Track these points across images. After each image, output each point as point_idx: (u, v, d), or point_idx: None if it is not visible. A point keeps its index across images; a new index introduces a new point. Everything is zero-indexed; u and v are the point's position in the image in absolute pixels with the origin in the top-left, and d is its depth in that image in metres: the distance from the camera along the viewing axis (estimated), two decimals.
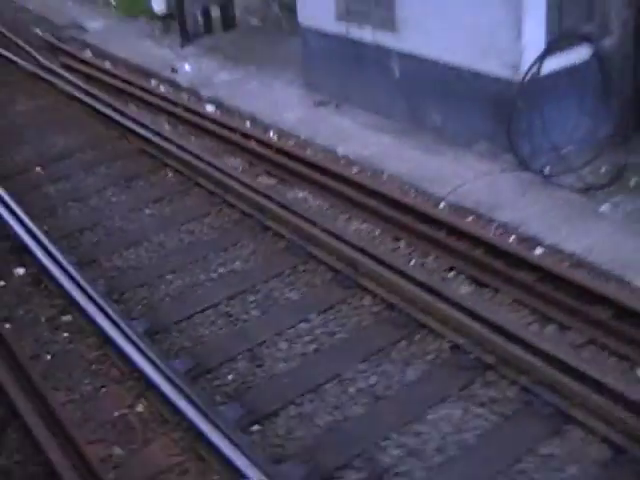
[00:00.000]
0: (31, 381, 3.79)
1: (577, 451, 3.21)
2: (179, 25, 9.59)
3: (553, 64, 5.62)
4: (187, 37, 9.59)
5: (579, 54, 5.78)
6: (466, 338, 3.88)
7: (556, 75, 5.66)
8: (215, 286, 4.72)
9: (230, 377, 3.88)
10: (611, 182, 5.40)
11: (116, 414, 3.64)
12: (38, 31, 10.66)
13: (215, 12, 9.77)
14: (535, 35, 5.50)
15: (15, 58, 9.42)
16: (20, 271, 5.05)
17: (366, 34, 6.74)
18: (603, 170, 5.63)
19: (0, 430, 3.57)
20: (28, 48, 9.69)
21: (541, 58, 5.54)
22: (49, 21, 11.30)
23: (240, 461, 3.06)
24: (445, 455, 3.24)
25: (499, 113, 5.73)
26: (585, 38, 5.76)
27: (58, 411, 3.54)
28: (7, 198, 5.80)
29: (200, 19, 9.73)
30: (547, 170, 5.66)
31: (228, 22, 9.78)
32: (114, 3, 11.64)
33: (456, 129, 6.21)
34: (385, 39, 6.58)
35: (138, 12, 10.81)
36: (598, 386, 3.33)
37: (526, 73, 5.53)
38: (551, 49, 5.57)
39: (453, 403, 3.55)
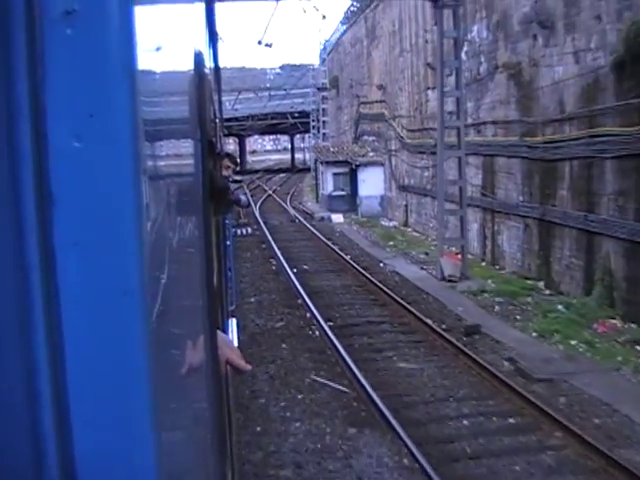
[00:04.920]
0: None
1: None
2: None
3: (336, 194, 31.77)
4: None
5: (344, 193, 31.74)
6: None
7: (336, 196, 31.72)
8: None
9: None
10: (348, 211, 30.97)
11: None
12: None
13: None
14: (331, 187, 31.85)
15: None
16: None
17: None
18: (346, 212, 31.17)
19: None
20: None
21: (332, 191, 31.81)
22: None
23: None
24: None
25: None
26: (343, 190, 31.74)
27: None
28: None
29: None
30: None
31: None
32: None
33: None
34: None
35: None
36: None
37: (330, 192, 31.85)
38: (334, 190, 31.79)
39: None
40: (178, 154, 0.89)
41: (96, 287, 0.50)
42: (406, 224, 27.06)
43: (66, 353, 0.50)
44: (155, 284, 0.59)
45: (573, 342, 11.16)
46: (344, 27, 38.76)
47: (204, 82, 1.32)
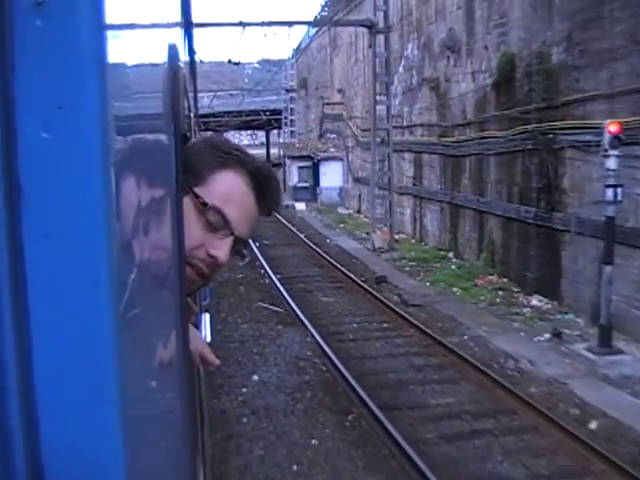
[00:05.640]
0: None
1: None
2: None
3: (300, 185, 35.93)
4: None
5: (307, 184, 35.90)
6: None
7: (300, 187, 35.88)
8: None
9: None
10: (310, 200, 35.13)
11: None
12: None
13: None
14: (296, 179, 36.01)
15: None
16: None
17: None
18: (309, 201, 35.28)
19: None
20: None
21: (297, 183, 35.97)
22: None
23: None
24: None
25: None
26: (307, 181, 35.91)
27: None
28: None
29: None
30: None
31: None
32: None
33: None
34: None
35: None
36: None
37: (295, 183, 36.00)
38: (299, 181, 35.97)
39: None
40: (151, 148, 0.88)
41: (65, 279, 0.50)
42: (359, 211, 31.27)
43: (33, 345, 0.50)
44: (125, 276, 0.60)
45: (454, 289, 15.43)
46: (313, 31, 43.02)
47: (178, 76, 1.30)
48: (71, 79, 0.50)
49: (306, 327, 11.66)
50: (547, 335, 11.45)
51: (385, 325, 12.20)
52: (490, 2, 17.31)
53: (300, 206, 32.98)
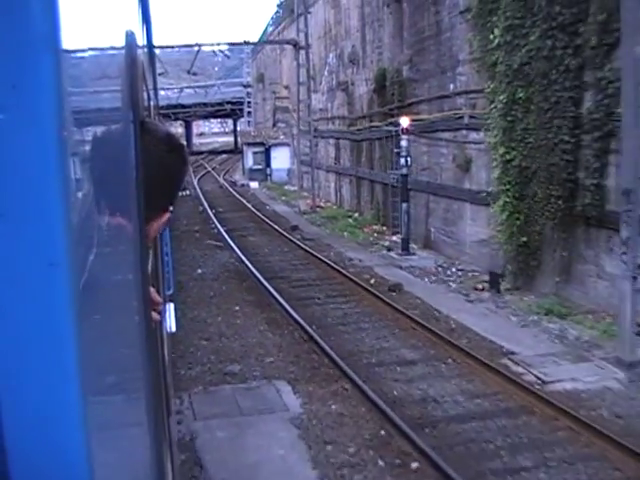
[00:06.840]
0: None
1: None
2: None
3: (255, 167, 43.11)
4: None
5: (260, 166, 43.08)
6: None
7: (254, 169, 43.06)
8: None
9: None
10: (263, 180, 42.29)
11: None
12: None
13: None
14: (251, 162, 43.25)
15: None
16: None
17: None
18: (262, 181, 42.46)
19: None
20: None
21: (252, 165, 43.15)
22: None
23: None
24: None
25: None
26: (260, 164, 43.09)
27: None
28: None
29: None
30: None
31: None
32: None
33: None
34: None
35: None
36: None
37: (250, 166, 43.16)
38: (254, 164, 43.15)
39: None
40: (109, 129, 0.87)
41: (21, 258, 0.51)
42: (302, 188, 38.49)
43: None
44: (83, 256, 0.59)
45: (345, 233, 22.74)
46: (271, 28, 50.09)
47: (136, 61, 1.30)
48: (23, 59, 0.50)
49: (234, 251, 18.92)
50: (384, 252, 18.80)
51: (285, 249, 19.52)
52: (374, 29, 24.58)
53: (254, 185, 40.16)
